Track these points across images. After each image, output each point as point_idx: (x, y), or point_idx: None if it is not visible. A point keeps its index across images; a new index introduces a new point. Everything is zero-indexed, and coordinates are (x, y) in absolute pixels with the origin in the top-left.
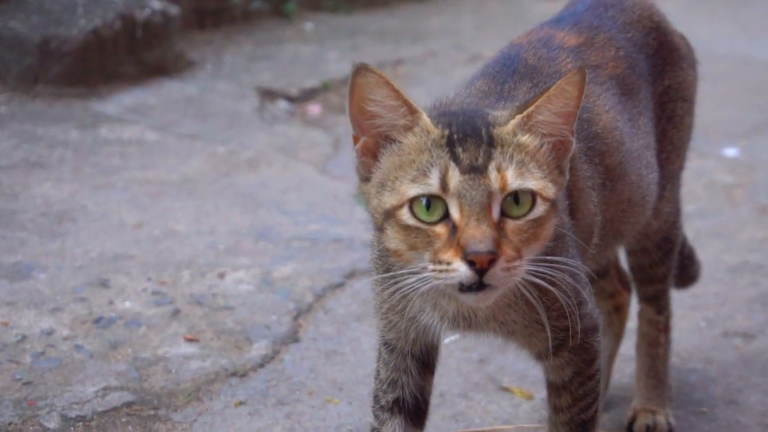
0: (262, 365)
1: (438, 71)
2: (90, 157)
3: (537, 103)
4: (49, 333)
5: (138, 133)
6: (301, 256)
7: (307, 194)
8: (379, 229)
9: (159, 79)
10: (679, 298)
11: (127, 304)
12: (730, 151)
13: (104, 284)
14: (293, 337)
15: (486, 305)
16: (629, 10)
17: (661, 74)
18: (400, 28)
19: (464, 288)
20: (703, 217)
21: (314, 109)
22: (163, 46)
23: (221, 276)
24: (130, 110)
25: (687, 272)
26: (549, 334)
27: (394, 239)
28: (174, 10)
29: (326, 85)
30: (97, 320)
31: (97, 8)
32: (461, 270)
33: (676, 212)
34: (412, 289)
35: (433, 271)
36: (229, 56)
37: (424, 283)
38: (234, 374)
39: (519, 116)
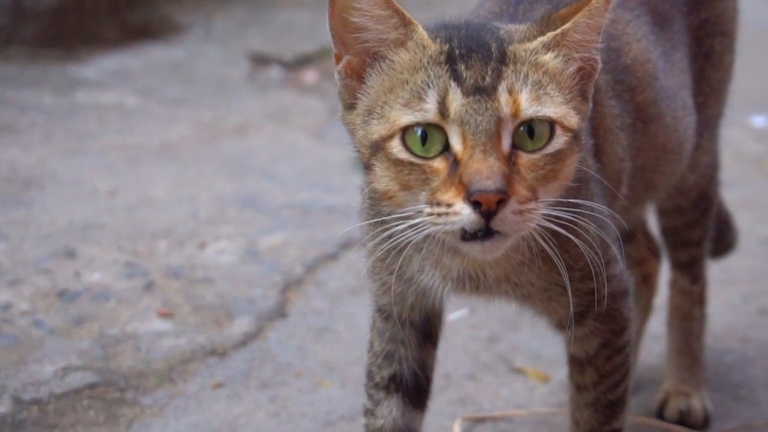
0: (244, 343)
1: None
2: (64, 121)
3: (576, 18)
4: (6, 307)
5: (118, 97)
6: (291, 225)
7: (298, 161)
8: (366, 166)
9: (143, 42)
10: (709, 272)
11: (96, 276)
12: (758, 120)
13: (71, 255)
14: (280, 312)
15: (494, 257)
16: None
17: (697, 5)
18: None
19: (468, 236)
20: (732, 188)
21: (310, 75)
22: (148, 8)
23: (201, 246)
24: (110, 74)
25: (723, 239)
26: (571, 298)
27: (383, 178)
28: None
29: (324, 50)
30: (61, 293)
31: None
32: (464, 213)
33: (715, 165)
34: (405, 238)
35: (431, 215)
36: (220, 21)
37: (420, 230)
38: (212, 353)
39: (552, 34)
